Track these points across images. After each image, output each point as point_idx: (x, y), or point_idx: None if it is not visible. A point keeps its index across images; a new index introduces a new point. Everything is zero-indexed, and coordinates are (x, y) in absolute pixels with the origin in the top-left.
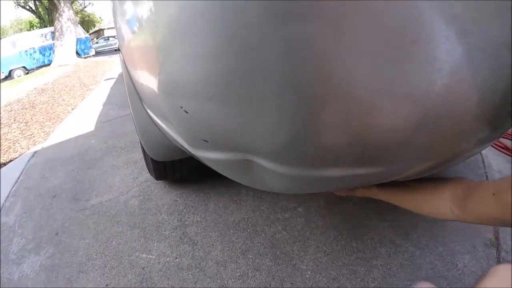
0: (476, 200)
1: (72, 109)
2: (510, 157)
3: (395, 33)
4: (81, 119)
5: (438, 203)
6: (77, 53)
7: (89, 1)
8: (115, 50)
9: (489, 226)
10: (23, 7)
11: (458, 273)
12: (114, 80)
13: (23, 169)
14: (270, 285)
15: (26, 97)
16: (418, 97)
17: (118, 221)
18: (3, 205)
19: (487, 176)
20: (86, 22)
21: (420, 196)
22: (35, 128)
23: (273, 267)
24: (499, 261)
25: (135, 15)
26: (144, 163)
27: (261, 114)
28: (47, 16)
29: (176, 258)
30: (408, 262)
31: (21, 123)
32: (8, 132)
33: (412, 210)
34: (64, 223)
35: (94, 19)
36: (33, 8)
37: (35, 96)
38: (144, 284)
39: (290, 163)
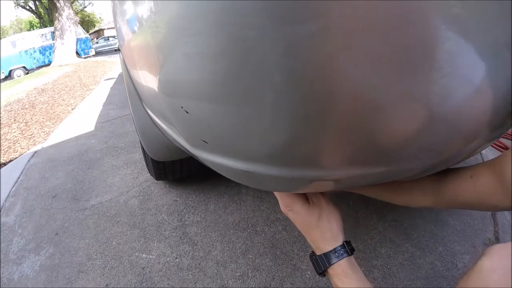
0: (452, 183)
1: (72, 109)
2: None
3: (395, 33)
4: (81, 119)
5: (418, 191)
6: (77, 53)
7: (89, 1)
8: (115, 50)
9: (487, 225)
10: (23, 7)
11: (458, 273)
12: (114, 80)
13: (23, 169)
14: (270, 285)
15: (26, 97)
16: (417, 98)
17: (118, 221)
18: (3, 205)
19: None
20: (86, 22)
21: (399, 187)
22: (35, 128)
23: (273, 267)
24: None
25: (135, 15)
26: (144, 163)
27: (260, 116)
28: (47, 16)
29: (176, 258)
30: (408, 262)
31: (21, 123)
32: (8, 132)
33: (390, 201)
34: (64, 223)
35: (94, 19)
36: (33, 8)
37: (35, 96)
38: (144, 284)
39: (290, 165)
